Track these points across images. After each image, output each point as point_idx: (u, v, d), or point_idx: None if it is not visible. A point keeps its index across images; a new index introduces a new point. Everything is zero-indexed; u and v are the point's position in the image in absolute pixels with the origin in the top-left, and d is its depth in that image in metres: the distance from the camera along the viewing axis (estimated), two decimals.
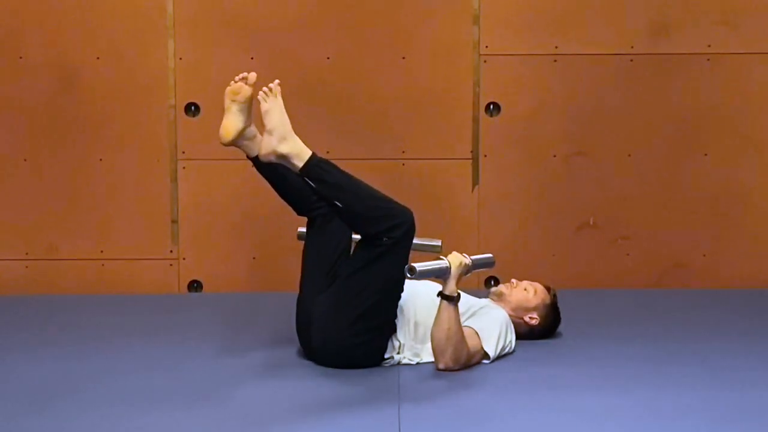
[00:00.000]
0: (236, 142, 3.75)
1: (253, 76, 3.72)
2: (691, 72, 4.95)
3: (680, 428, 3.08)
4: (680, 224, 5.02)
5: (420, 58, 4.95)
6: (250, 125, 3.75)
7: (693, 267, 5.02)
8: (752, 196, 5.01)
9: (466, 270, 3.66)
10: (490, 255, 3.84)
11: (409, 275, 3.55)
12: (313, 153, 3.58)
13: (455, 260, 3.63)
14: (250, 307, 4.65)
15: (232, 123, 3.72)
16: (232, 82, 3.74)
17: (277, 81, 3.62)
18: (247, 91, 3.71)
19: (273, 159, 3.58)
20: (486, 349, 3.69)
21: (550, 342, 4.01)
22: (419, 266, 3.55)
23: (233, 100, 3.72)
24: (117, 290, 4.95)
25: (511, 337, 3.83)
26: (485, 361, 3.70)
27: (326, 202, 3.63)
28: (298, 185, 3.77)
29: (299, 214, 3.88)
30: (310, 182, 3.57)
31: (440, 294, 3.60)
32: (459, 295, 3.61)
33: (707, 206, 5.01)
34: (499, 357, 3.76)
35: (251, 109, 3.74)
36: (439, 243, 4.02)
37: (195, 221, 4.98)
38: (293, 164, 3.57)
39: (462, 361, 3.61)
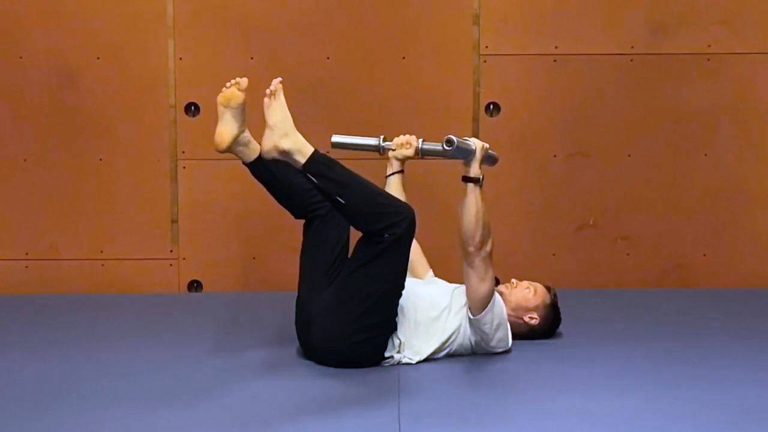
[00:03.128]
0: (231, 148, 3.74)
1: (244, 81, 3.71)
2: (691, 72, 4.95)
3: (680, 428, 3.07)
4: (680, 224, 5.02)
5: (420, 58, 4.95)
6: (244, 131, 3.74)
7: (693, 267, 5.02)
8: (752, 196, 5.01)
9: (485, 155, 3.75)
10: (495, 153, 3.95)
11: (446, 147, 3.63)
12: (316, 149, 3.57)
13: (479, 143, 3.74)
14: (250, 307, 4.65)
15: (226, 130, 3.71)
16: (224, 88, 3.72)
17: (279, 79, 3.60)
18: (239, 97, 3.70)
19: (275, 155, 3.55)
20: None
21: (550, 342, 4.01)
22: (457, 139, 3.63)
23: (226, 107, 3.71)
24: (117, 290, 4.95)
25: (507, 333, 3.83)
26: (471, 316, 3.70)
27: (328, 198, 3.62)
28: (295, 189, 3.78)
29: (297, 217, 3.88)
30: (313, 178, 3.55)
31: (465, 178, 3.68)
32: (483, 177, 3.68)
33: (707, 206, 5.01)
34: (496, 354, 3.77)
35: (245, 115, 3.73)
36: (376, 142, 4.04)
37: (195, 221, 4.98)
38: (295, 160, 3.54)
39: (488, 248, 3.66)
